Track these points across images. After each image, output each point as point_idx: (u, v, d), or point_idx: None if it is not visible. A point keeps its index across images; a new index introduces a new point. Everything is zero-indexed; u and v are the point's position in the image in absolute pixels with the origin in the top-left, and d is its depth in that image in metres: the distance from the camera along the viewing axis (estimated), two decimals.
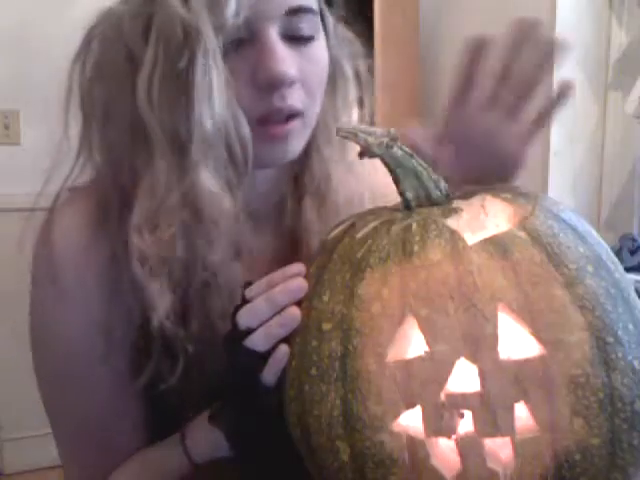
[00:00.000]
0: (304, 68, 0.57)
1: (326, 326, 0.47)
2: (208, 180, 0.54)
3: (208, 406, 0.59)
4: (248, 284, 0.55)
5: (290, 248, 0.69)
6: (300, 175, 0.68)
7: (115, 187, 0.59)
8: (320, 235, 0.66)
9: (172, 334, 0.57)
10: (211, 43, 0.51)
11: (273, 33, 0.55)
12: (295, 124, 0.58)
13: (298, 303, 0.51)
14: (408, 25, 2.15)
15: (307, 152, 0.64)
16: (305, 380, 0.47)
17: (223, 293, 0.59)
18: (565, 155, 1.82)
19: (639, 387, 0.43)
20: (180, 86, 0.52)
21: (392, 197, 0.56)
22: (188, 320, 0.58)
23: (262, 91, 0.55)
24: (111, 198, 0.59)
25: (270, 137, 0.57)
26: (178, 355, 0.58)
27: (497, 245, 0.45)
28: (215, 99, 0.52)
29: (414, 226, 0.48)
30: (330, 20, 0.63)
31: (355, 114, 0.68)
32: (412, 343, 0.44)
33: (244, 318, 0.52)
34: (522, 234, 0.46)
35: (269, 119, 0.56)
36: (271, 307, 0.51)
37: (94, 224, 0.59)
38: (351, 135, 0.53)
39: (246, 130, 0.55)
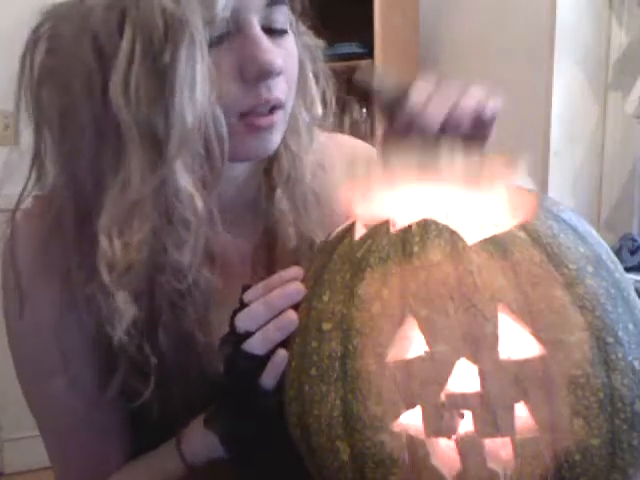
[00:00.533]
0: (284, 60, 0.56)
1: (326, 326, 0.47)
2: (183, 178, 0.53)
3: (191, 414, 0.59)
4: (247, 287, 0.55)
5: (267, 246, 0.68)
6: (269, 168, 0.68)
7: (72, 196, 0.56)
8: (294, 226, 0.66)
9: (135, 347, 0.56)
10: (198, 36, 0.50)
11: (257, 24, 0.54)
12: (279, 115, 0.57)
13: (296, 306, 0.51)
14: (408, 25, 2.16)
15: None
16: (305, 380, 0.47)
17: (197, 301, 0.59)
18: (565, 155, 1.82)
19: (639, 387, 0.43)
20: (161, 80, 0.50)
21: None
22: (156, 332, 0.58)
23: (248, 83, 0.54)
24: (66, 208, 0.57)
25: (255, 129, 0.56)
26: (147, 369, 0.57)
27: (497, 245, 0.45)
28: (198, 94, 0.51)
29: (414, 226, 0.48)
30: (291, 14, 0.63)
31: (319, 109, 0.68)
32: (412, 343, 0.44)
33: (242, 322, 0.52)
34: (522, 234, 0.46)
35: (254, 111, 0.55)
36: (269, 311, 0.51)
37: (48, 236, 0.58)
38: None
39: (223, 127, 0.54)
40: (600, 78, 1.83)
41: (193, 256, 0.56)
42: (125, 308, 0.54)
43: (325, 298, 0.48)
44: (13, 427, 2.22)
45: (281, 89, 0.56)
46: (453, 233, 0.46)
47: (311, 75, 0.66)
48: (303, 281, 0.52)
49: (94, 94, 0.52)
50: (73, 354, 0.60)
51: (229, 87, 0.54)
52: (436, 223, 0.47)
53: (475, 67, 2.06)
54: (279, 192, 0.67)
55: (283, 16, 0.56)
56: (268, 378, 0.52)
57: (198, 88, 0.50)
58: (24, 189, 0.58)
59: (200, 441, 0.58)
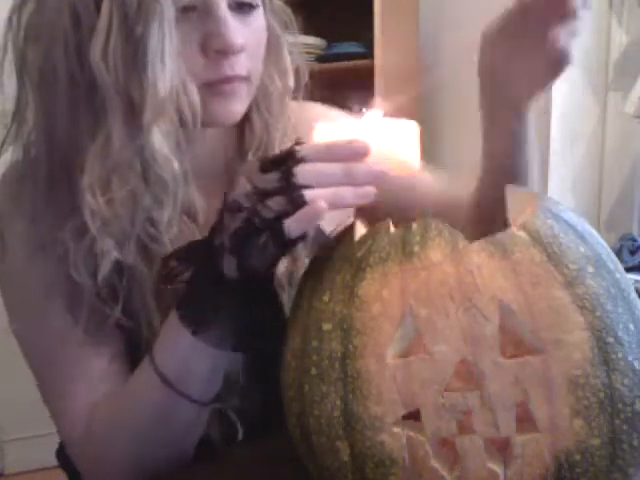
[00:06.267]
0: (248, 36, 0.61)
1: (326, 326, 0.47)
2: (160, 142, 0.57)
3: None
4: (298, 143, 0.50)
5: None
6: (242, 134, 0.72)
7: (48, 154, 0.61)
8: None
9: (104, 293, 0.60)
10: (168, 12, 0.54)
11: (223, 2, 0.58)
12: (241, 86, 0.62)
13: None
14: (408, 25, 2.15)
15: (248, 112, 0.68)
16: (305, 380, 0.47)
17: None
18: (565, 155, 1.82)
19: (639, 387, 0.43)
20: (134, 51, 0.55)
21: None
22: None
23: (211, 59, 0.59)
24: (41, 162, 0.61)
25: (218, 96, 0.61)
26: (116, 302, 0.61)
27: (497, 245, 0.45)
28: (167, 66, 0.55)
29: (414, 226, 0.48)
30: None
31: (292, 80, 0.73)
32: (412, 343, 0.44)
33: (305, 176, 0.47)
34: (522, 234, 0.46)
35: (217, 82, 0.60)
36: (346, 178, 0.48)
37: (19, 185, 0.63)
38: None
39: (195, 96, 0.58)
40: (600, 78, 1.83)
41: (172, 213, 0.61)
42: (106, 257, 0.58)
43: (325, 298, 0.48)
44: (13, 427, 2.22)
45: (242, 65, 0.61)
46: (453, 232, 0.46)
47: (283, 48, 0.71)
48: (303, 281, 0.52)
49: (69, 55, 0.56)
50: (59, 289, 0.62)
51: (194, 60, 0.58)
52: (436, 223, 0.47)
53: (475, 67, 2.06)
54: (250, 156, 0.71)
55: None
56: (294, 223, 0.48)
57: (167, 60, 0.55)
58: (4, 141, 0.62)
59: (173, 347, 0.58)
